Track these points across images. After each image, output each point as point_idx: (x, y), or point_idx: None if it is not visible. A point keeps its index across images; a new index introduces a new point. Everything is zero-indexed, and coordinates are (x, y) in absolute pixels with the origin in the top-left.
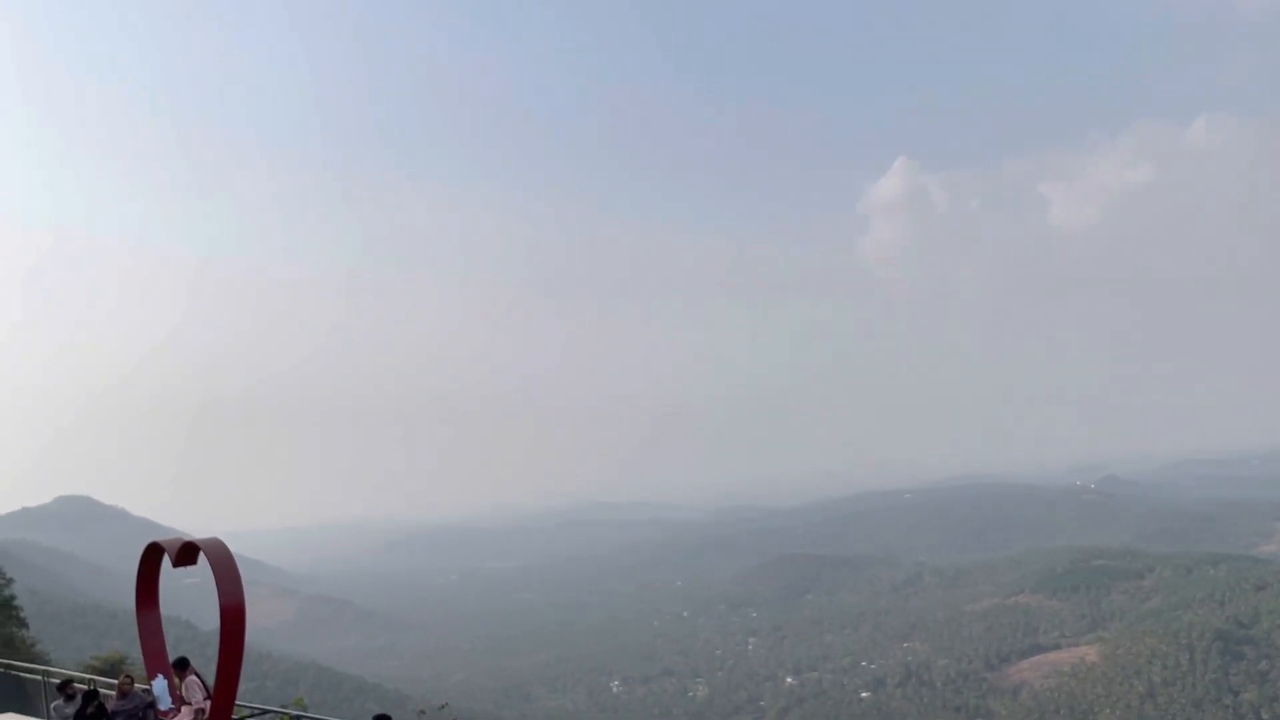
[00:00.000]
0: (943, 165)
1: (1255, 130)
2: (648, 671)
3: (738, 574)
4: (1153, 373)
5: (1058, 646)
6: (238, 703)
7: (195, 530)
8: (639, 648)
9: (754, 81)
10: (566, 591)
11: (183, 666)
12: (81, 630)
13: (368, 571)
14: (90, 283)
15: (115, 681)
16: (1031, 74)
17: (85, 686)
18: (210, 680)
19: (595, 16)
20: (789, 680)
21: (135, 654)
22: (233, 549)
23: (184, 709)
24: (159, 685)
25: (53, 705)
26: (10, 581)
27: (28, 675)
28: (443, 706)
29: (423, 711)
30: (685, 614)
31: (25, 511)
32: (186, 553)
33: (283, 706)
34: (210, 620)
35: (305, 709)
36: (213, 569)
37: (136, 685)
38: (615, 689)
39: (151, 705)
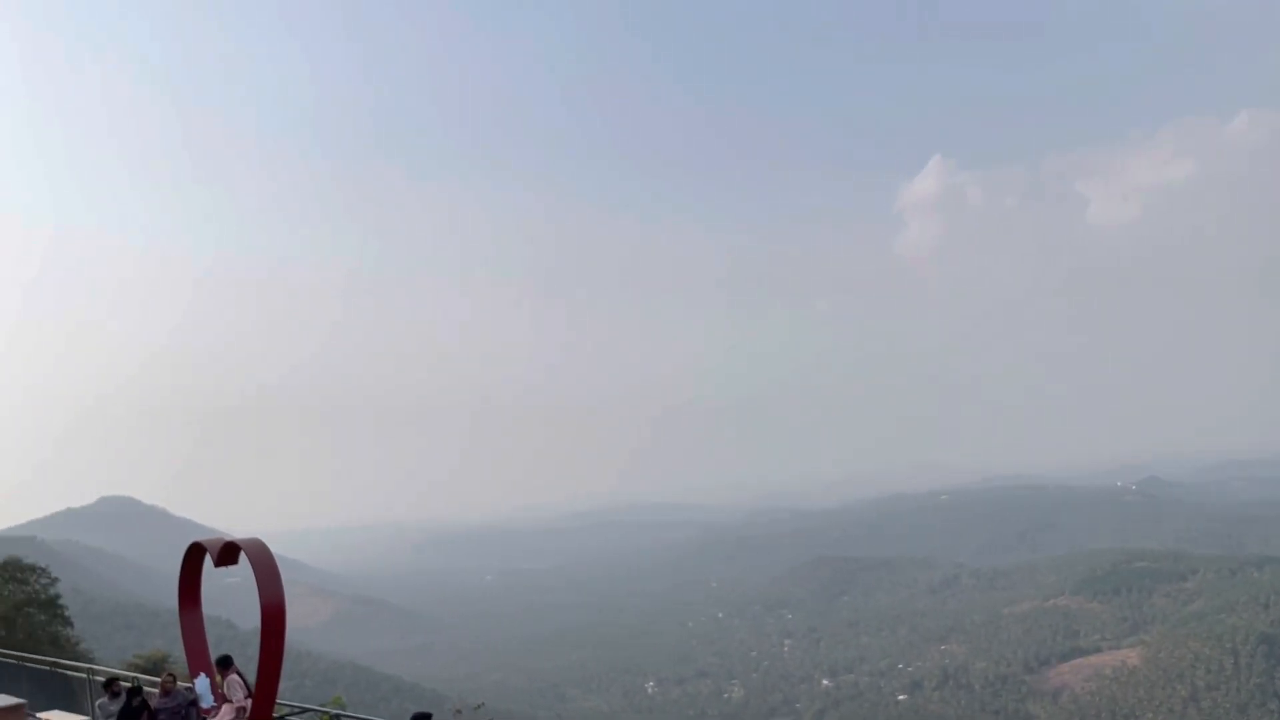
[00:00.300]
0: (979, 163)
1: None
2: (682, 673)
3: (772, 575)
4: (1196, 372)
5: (1099, 650)
6: (278, 701)
7: (233, 530)
8: (674, 649)
9: (788, 82)
10: (600, 592)
11: (225, 665)
12: (124, 629)
13: (403, 572)
14: (125, 288)
15: (158, 680)
16: (1070, 71)
17: (129, 684)
18: (251, 679)
19: (613, 13)
20: (825, 682)
21: (177, 652)
22: (270, 549)
23: (226, 707)
24: (201, 683)
25: (98, 703)
26: (55, 581)
27: (73, 673)
28: (479, 706)
29: (459, 711)
30: (720, 615)
31: (69, 512)
32: (228, 553)
33: (321, 705)
34: (250, 619)
35: (343, 708)
36: (254, 569)
37: (179, 683)
38: (650, 690)
39: (194, 703)
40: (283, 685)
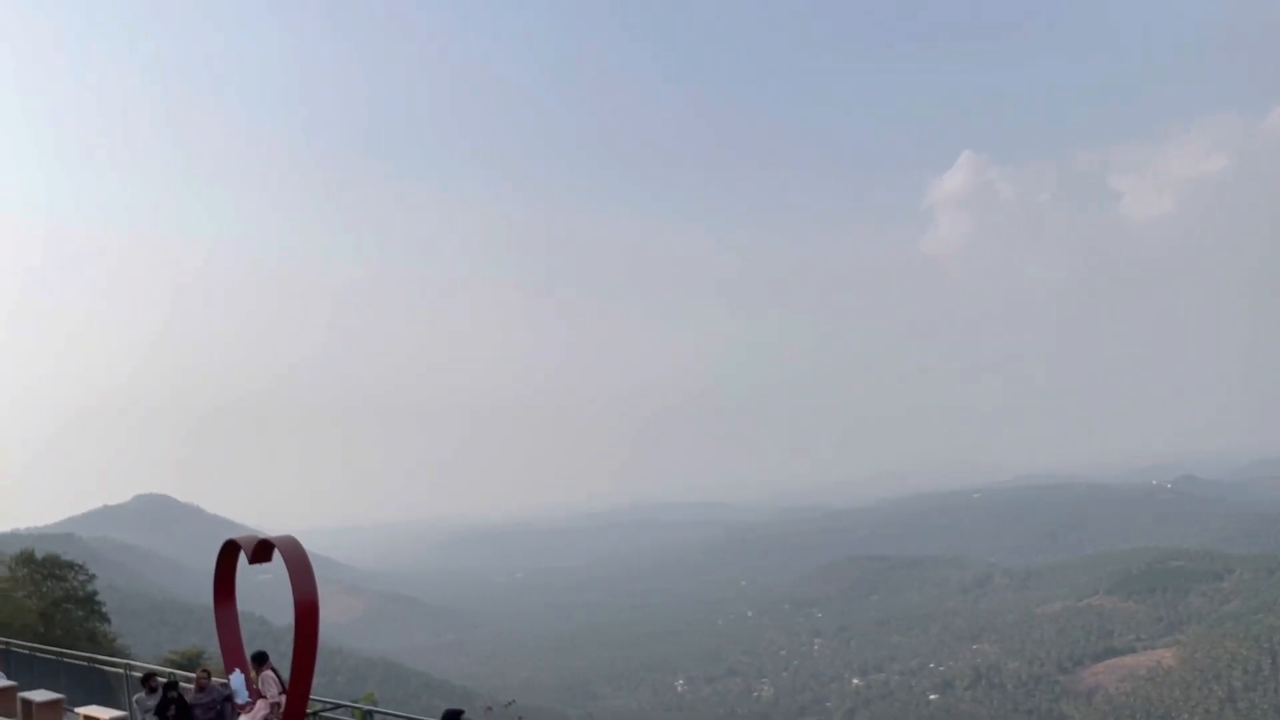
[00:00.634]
0: (1010, 158)
1: None
2: (712, 671)
3: (802, 574)
4: (1232, 369)
5: (1133, 650)
6: (311, 697)
7: (265, 527)
8: (703, 647)
9: (803, 80)
10: (630, 590)
11: (261, 660)
12: (160, 625)
13: (434, 569)
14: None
15: (193, 675)
16: (1102, 65)
17: (165, 680)
18: (285, 675)
19: (624, 11)
20: (855, 681)
21: (212, 648)
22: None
23: (260, 702)
24: (236, 679)
25: (135, 698)
26: (93, 578)
27: (111, 669)
28: (510, 704)
29: (489, 708)
30: (749, 614)
31: (106, 509)
32: (262, 550)
33: (354, 701)
34: (282, 616)
35: (375, 704)
36: (287, 566)
37: (214, 679)
38: (680, 688)
39: (229, 698)
40: (315, 681)
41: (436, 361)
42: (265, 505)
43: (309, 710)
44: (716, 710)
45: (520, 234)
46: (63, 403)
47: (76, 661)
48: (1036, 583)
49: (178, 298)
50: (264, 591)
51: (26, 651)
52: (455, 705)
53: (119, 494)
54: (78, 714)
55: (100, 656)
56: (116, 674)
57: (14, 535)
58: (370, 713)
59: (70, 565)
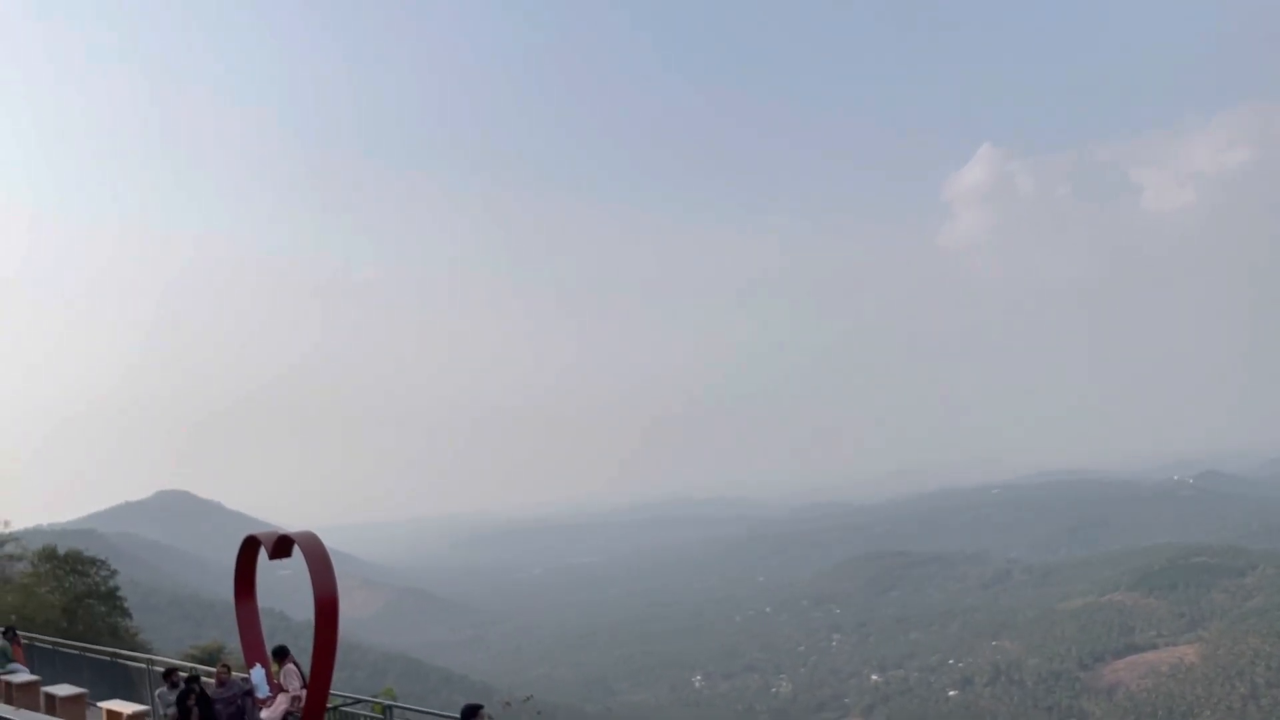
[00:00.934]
0: (1030, 151)
1: None
2: (730, 667)
3: (820, 570)
4: (1255, 363)
5: (1155, 646)
6: (331, 691)
7: (284, 523)
8: (721, 643)
9: (832, 74)
10: (649, 586)
11: (282, 655)
12: (181, 620)
13: (452, 565)
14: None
15: (214, 670)
16: (1122, 56)
17: (187, 674)
18: (305, 669)
19: (647, 13)
20: (874, 677)
21: (232, 643)
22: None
23: (281, 696)
24: (257, 673)
25: (157, 692)
26: (115, 573)
27: (133, 663)
28: (528, 699)
29: (508, 703)
30: (768, 610)
31: (127, 505)
32: (282, 546)
33: (373, 696)
34: (302, 611)
35: (394, 698)
36: (307, 562)
37: (234, 674)
38: (698, 684)
39: (249, 693)
40: (335, 676)
41: (456, 359)
42: (285, 501)
43: (329, 704)
44: (734, 706)
45: (543, 232)
46: (83, 398)
47: (99, 656)
48: (1057, 579)
49: (197, 295)
50: (284, 587)
51: (50, 646)
52: (474, 700)
53: (140, 490)
54: (100, 708)
55: (122, 651)
56: (139, 669)
57: (37, 531)
58: (390, 707)
59: (92, 561)
